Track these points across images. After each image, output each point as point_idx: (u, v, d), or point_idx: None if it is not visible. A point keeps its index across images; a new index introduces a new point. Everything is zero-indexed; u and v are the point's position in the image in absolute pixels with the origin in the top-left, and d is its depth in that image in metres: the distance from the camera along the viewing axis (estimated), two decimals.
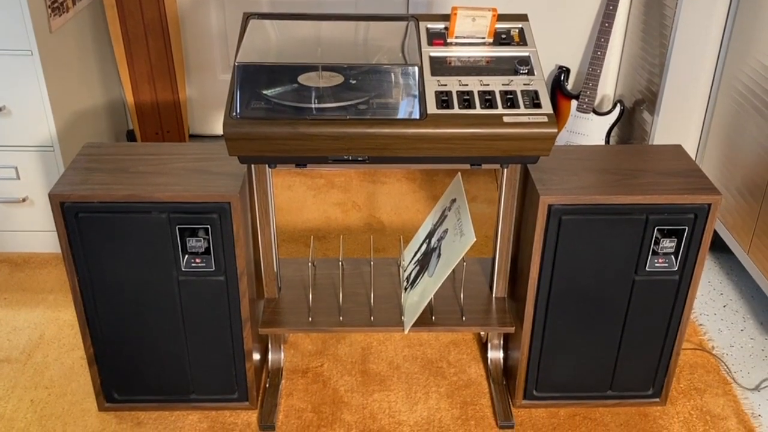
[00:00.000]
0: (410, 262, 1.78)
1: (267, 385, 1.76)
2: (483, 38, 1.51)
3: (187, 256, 1.51)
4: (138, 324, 1.58)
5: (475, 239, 1.50)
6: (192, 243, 1.49)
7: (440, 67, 1.45)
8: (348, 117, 1.34)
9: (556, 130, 1.34)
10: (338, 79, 1.41)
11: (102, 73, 2.45)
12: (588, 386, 1.70)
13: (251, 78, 1.36)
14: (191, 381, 1.66)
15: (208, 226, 1.47)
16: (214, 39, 2.69)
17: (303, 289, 1.76)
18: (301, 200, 2.55)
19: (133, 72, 2.41)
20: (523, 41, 1.52)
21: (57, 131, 2.08)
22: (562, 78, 2.57)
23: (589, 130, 2.52)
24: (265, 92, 1.37)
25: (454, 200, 1.68)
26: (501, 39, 1.52)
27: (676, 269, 1.54)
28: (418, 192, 2.61)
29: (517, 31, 1.54)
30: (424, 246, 1.75)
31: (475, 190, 2.61)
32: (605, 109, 2.52)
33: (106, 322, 1.57)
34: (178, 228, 1.47)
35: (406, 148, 1.36)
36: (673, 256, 1.53)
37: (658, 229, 1.49)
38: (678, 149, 1.65)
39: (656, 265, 1.53)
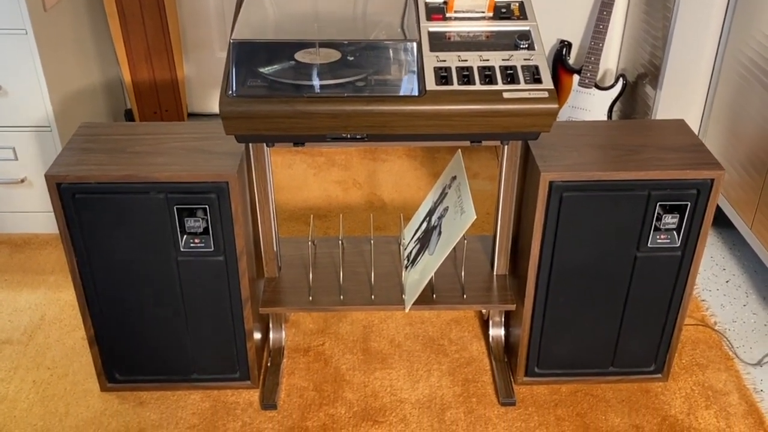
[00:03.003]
0: (411, 240, 1.77)
1: (268, 364, 1.76)
2: (482, 12, 1.49)
3: (185, 236, 1.50)
4: (138, 304, 1.58)
5: (475, 217, 1.49)
6: (191, 223, 1.48)
7: (439, 42, 1.43)
8: (346, 94, 1.32)
9: (557, 106, 1.33)
10: (336, 55, 1.39)
11: (98, 51, 2.43)
12: (590, 363, 1.70)
13: (247, 55, 1.34)
14: (192, 361, 1.66)
15: (207, 206, 1.46)
16: (211, 15, 2.66)
17: (303, 268, 1.75)
18: (302, 178, 2.54)
19: (129, 50, 2.38)
20: (523, 15, 1.49)
21: (54, 111, 2.06)
22: (563, 52, 2.54)
23: (591, 105, 2.49)
24: (261, 70, 1.35)
25: (454, 177, 1.66)
26: (501, 13, 1.49)
27: (678, 245, 1.53)
28: (419, 169, 2.59)
29: (517, 4, 1.51)
30: (425, 224, 1.74)
31: (476, 167, 2.59)
32: (607, 84, 2.49)
33: (106, 303, 1.57)
34: (176, 208, 1.45)
35: (405, 125, 1.35)
36: (675, 232, 1.52)
37: (660, 205, 1.48)
38: (681, 124, 1.63)
39: (658, 241, 1.52)
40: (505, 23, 1.47)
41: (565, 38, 2.59)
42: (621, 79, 2.46)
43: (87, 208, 1.45)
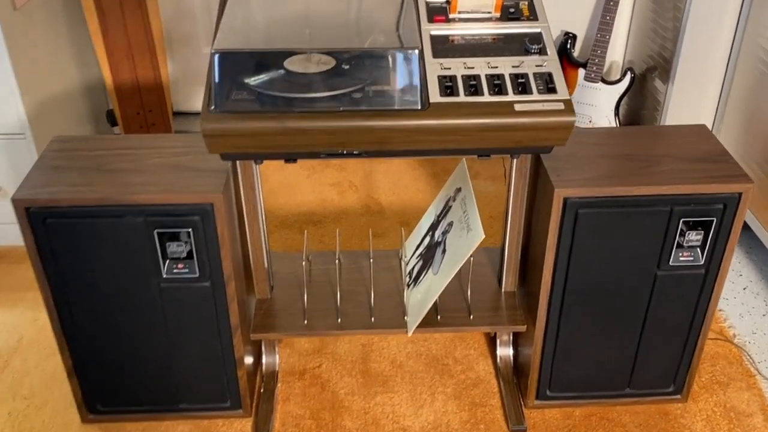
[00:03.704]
0: (412, 255, 1.65)
1: (261, 390, 1.65)
2: (489, 13, 1.36)
3: (168, 261, 1.37)
4: (119, 334, 1.46)
5: (483, 236, 1.37)
6: (173, 248, 1.36)
7: (443, 47, 1.30)
8: (342, 108, 1.19)
9: (574, 119, 1.20)
10: (329, 62, 1.26)
11: (76, 50, 2.29)
12: (605, 385, 1.59)
13: (231, 66, 1.21)
14: (179, 390, 1.55)
15: (190, 230, 1.33)
16: (196, 8, 2.52)
17: (297, 288, 1.63)
18: (295, 181, 2.41)
19: (109, 48, 2.24)
20: (533, 15, 1.36)
21: (28, 117, 1.93)
22: (568, 45, 2.41)
23: (597, 100, 2.37)
24: (247, 80, 1.23)
25: (459, 189, 1.54)
26: (509, 13, 1.36)
27: (702, 263, 1.41)
28: (417, 170, 2.47)
29: (526, 3, 1.38)
30: (428, 239, 1.62)
31: (477, 167, 2.47)
32: (614, 78, 2.37)
33: (84, 332, 1.45)
34: (157, 232, 1.33)
35: (407, 141, 1.22)
36: (699, 249, 1.40)
37: (683, 222, 1.36)
38: (703, 130, 1.51)
39: (681, 259, 1.41)
40: (513, 25, 1.35)
41: (569, 30, 2.46)
42: (629, 72, 2.33)
43: (59, 234, 1.32)
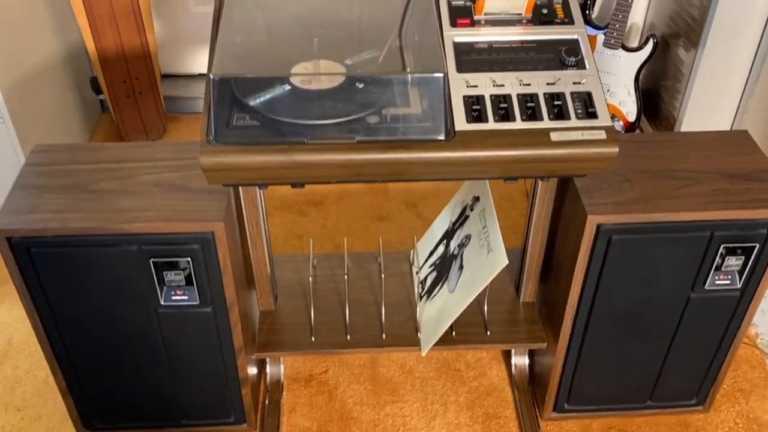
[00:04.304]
0: (425, 263, 1.55)
1: (266, 401, 1.58)
2: (519, 15, 1.21)
3: (165, 288, 1.27)
4: (115, 357, 1.36)
5: (506, 262, 1.26)
6: (170, 276, 1.24)
7: (468, 59, 1.16)
8: (357, 140, 1.06)
9: (616, 150, 1.08)
10: (340, 76, 1.12)
11: (54, 18, 2.10)
12: (626, 398, 1.53)
13: (231, 92, 1.07)
14: (181, 407, 1.47)
15: (189, 258, 1.22)
16: None
17: (303, 297, 1.53)
18: None
19: (91, 14, 2.05)
20: (568, 18, 1.22)
21: (4, 98, 1.77)
22: (586, 8, 2.24)
23: (616, 68, 2.22)
24: (250, 103, 1.09)
25: (477, 198, 1.43)
26: (542, 15, 1.22)
27: (739, 287, 1.32)
28: None
29: (560, 3, 1.23)
30: (442, 248, 1.51)
31: None
32: (635, 44, 2.21)
33: (78, 357, 1.36)
34: (153, 262, 1.22)
35: (429, 172, 1.10)
36: (737, 273, 1.31)
37: (724, 247, 1.26)
38: (744, 137, 1.38)
39: (717, 282, 1.31)
40: (547, 30, 1.20)
41: None
42: (651, 39, 2.17)
43: (46, 264, 1.21)
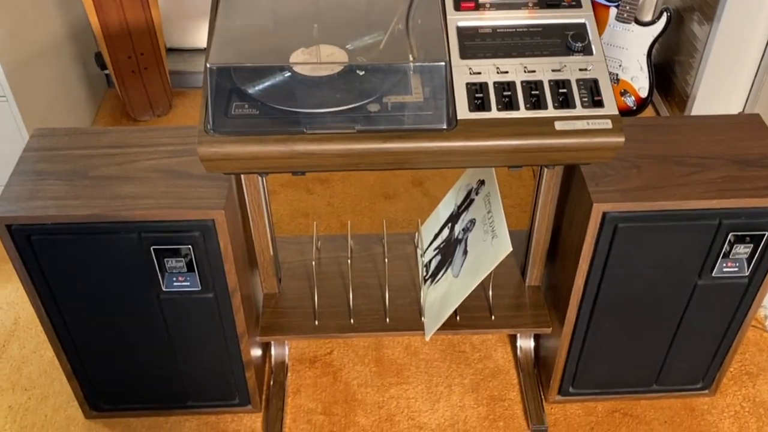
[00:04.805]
0: (429, 246, 1.54)
1: (271, 383, 1.58)
2: None
3: (167, 274, 1.26)
4: (119, 342, 1.37)
5: (510, 249, 1.25)
6: (172, 263, 1.24)
7: (471, 44, 1.13)
8: (357, 128, 1.04)
9: (622, 140, 1.06)
10: (340, 64, 1.10)
11: None
12: (631, 382, 1.52)
13: (229, 81, 1.05)
14: (186, 390, 1.48)
15: (190, 246, 1.21)
16: None
17: (307, 280, 1.53)
18: None
19: None
20: (576, 1, 1.18)
21: (6, 75, 1.76)
22: None
23: (629, 43, 2.17)
24: (248, 91, 1.07)
25: (482, 182, 1.41)
26: None
27: (746, 274, 1.30)
28: None
29: None
30: (446, 231, 1.50)
31: None
32: (648, 18, 2.16)
33: (82, 341, 1.36)
34: (154, 249, 1.21)
35: (431, 161, 1.08)
36: (745, 261, 1.29)
37: (732, 235, 1.24)
38: (756, 121, 1.35)
39: (724, 269, 1.29)
40: (553, 13, 1.17)
41: None
42: (665, 13, 2.12)
43: (46, 251, 1.21)
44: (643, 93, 2.20)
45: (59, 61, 2.09)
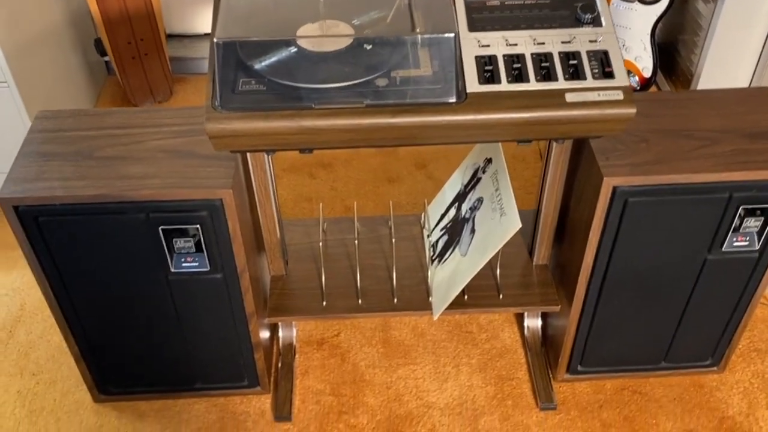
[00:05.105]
0: (435, 226, 1.53)
1: (279, 365, 1.58)
2: None
3: (175, 254, 1.26)
4: (128, 324, 1.36)
5: (520, 225, 1.24)
6: (180, 243, 1.23)
7: (479, 17, 1.12)
8: (365, 103, 1.03)
9: (633, 110, 1.05)
10: (348, 40, 1.09)
11: None
12: (640, 359, 1.52)
13: (236, 57, 1.04)
14: (195, 372, 1.48)
15: (198, 225, 1.21)
16: None
17: (313, 262, 1.52)
18: None
19: None
20: None
21: (7, 61, 1.74)
22: None
23: (632, 22, 2.16)
24: (255, 67, 1.06)
25: (489, 160, 1.40)
26: None
27: (757, 248, 1.30)
28: None
29: None
30: (453, 211, 1.49)
31: None
32: None
33: (90, 324, 1.36)
34: (162, 229, 1.20)
35: (440, 135, 1.07)
36: (756, 235, 1.28)
37: (743, 208, 1.23)
38: (765, 95, 1.34)
39: (735, 244, 1.29)
40: None
41: None
42: None
43: (54, 232, 1.20)
44: (647, 73, 2.19)
45: (59, 47, 2.07)
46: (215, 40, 1.02)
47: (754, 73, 2.05)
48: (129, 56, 2.20)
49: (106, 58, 2.30)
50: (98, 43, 2.23)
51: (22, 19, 1.85)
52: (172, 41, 2.44)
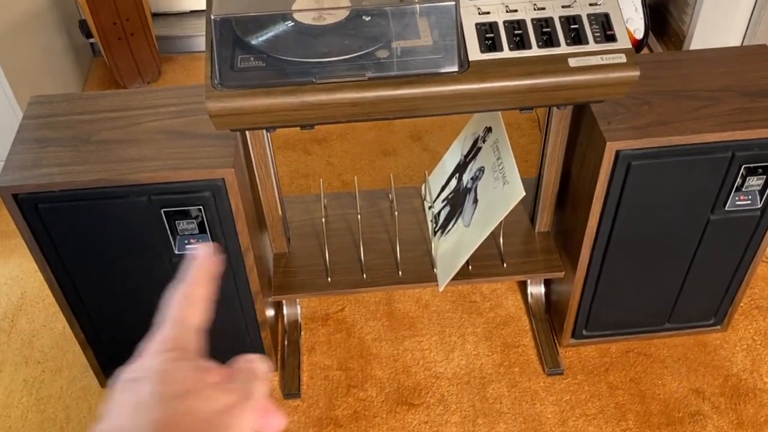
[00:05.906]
0: (437, 198, 1.52)
1: (286, 342, 1.58)
2: None
3: (179, 237, 1.25)
4: (132, 307, 1.35)
5: (524, 194, 1.24)
6: (183, 225, 1.22)
7: None
8: (368, 76, 1.02)
9: (637, 73, 1.04)
10: (344, 10, 1.07)
11: None
12: (644, 321, 1.53)
13: (235, 33, 1.03)
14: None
15: (201, 206, 1.20)
16: None
17: (316, 238, 1.52)
18: None
19: None
20: None
21: None
22: None
23: None
24: (253, 42, 1.04)
25: (489, 129, 1.39)
26: None
27: (759, 206, 1.30)
28: None
29: None
30: (454, 181, 1.48)
31: None
32: None
33: (94, 309, 1.35)
34: (164, 211, 1.19)
35: (443, 106, 1.06)
36: (758, 193, 1.28)
37: (744, 167, 1.23)
38: (763, 52, 1.34)
39: (737, 203, 1.29)
40: None
41: None
42: None
43: (54, 219, 1.19)
44: (639, 35, 2.18)
45: (43, 31, 2.04)
46: (212, 16, 1.00)
47: (746, 32, 2.05)
48: (115, 37, 2.17)
49: (92, 40, 2.26)
50: (83, 24, 2.19)
51: (4, 2, 1.81)
52: (157, 20, 2.40)
